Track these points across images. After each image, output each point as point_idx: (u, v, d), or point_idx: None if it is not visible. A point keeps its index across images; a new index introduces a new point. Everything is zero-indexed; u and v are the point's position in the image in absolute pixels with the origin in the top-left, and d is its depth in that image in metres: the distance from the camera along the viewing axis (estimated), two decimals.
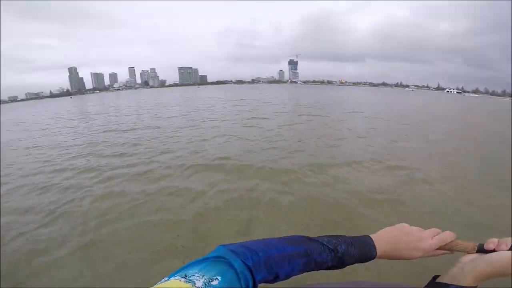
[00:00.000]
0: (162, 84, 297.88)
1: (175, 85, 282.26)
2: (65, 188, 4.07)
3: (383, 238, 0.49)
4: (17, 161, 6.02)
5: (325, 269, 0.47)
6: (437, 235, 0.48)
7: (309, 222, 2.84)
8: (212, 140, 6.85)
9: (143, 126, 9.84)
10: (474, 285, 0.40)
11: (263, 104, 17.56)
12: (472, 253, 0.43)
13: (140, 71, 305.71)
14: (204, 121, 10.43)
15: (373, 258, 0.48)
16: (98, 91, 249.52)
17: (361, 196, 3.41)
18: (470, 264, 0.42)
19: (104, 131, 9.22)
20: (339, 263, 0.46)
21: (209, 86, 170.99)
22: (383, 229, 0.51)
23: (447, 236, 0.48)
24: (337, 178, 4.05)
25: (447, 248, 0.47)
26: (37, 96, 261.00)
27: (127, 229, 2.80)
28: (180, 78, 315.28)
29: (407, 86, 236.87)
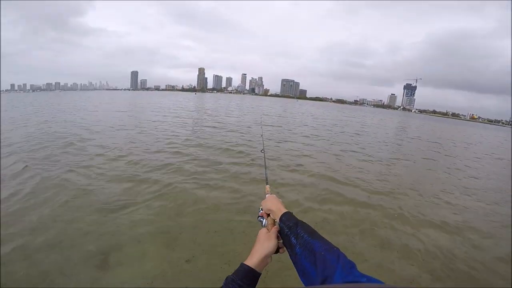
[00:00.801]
0: (265, 92, 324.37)
1: (276, 95, 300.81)
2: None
3: (253, 259, 0.63)
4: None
5: None
6: (267, 226, 0.74)
7: None
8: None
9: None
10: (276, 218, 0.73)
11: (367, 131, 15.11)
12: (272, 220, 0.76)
13: (250, 78, 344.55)
14: (306, 142, 9.73)
15: (259, 273, 0.62)
16: (215, 91, 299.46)
17: None
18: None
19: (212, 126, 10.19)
20: None
21: (307, 101, 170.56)
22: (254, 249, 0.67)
23: (270, 221, 0.74)
24: None
25: (272, 225, 0.73)
26: (172, 88, 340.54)
27: None
28: (281, 89, 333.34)
29: None
